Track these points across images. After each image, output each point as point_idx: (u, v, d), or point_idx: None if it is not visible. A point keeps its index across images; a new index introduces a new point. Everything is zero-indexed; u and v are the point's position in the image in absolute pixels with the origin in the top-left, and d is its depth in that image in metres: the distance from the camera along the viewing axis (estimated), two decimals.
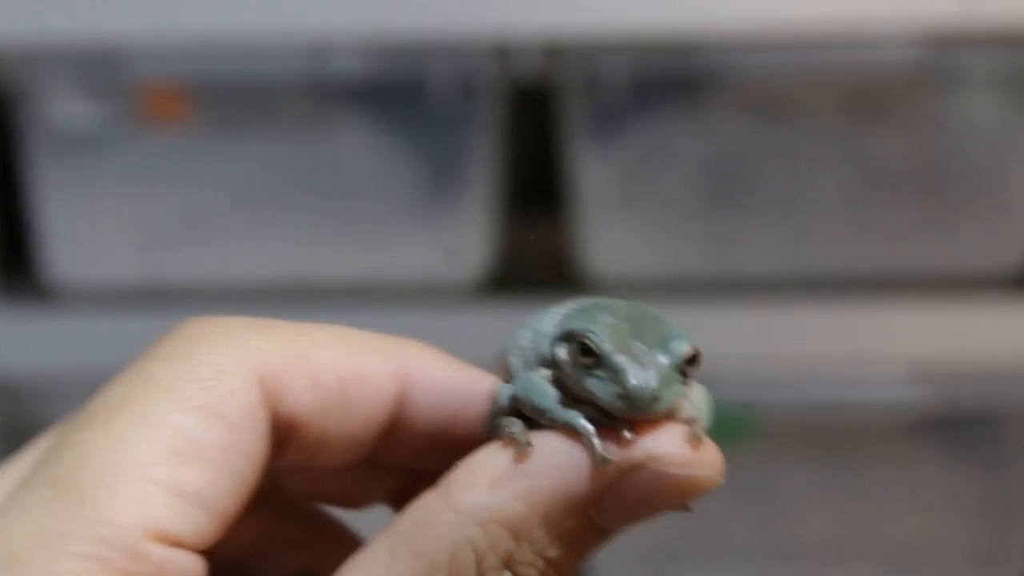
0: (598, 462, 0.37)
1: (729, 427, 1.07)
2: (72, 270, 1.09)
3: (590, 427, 0.37)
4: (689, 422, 0.38)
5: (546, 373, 0.40)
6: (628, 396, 0.36)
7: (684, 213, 1.07)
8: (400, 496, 0.48)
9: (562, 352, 0.39)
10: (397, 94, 1.04)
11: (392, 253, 1.07)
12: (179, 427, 0.37)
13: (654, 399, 0.36)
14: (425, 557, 0.37)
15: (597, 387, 0.37)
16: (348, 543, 0.49)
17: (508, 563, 0.37)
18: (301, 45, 1.00)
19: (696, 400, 0.39)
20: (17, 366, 1.05)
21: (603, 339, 0.37)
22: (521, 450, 0.37)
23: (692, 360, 0.38)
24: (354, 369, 0.41)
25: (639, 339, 0.38)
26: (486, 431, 0.41)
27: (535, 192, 1.17)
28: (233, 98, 1.05)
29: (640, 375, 0.37)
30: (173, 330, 0.41)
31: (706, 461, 0.37)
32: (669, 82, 1.03)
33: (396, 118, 1.06)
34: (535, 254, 1.17)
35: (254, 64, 1.03)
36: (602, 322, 0.38)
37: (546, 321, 0.41)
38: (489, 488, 0.37)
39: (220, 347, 0.39)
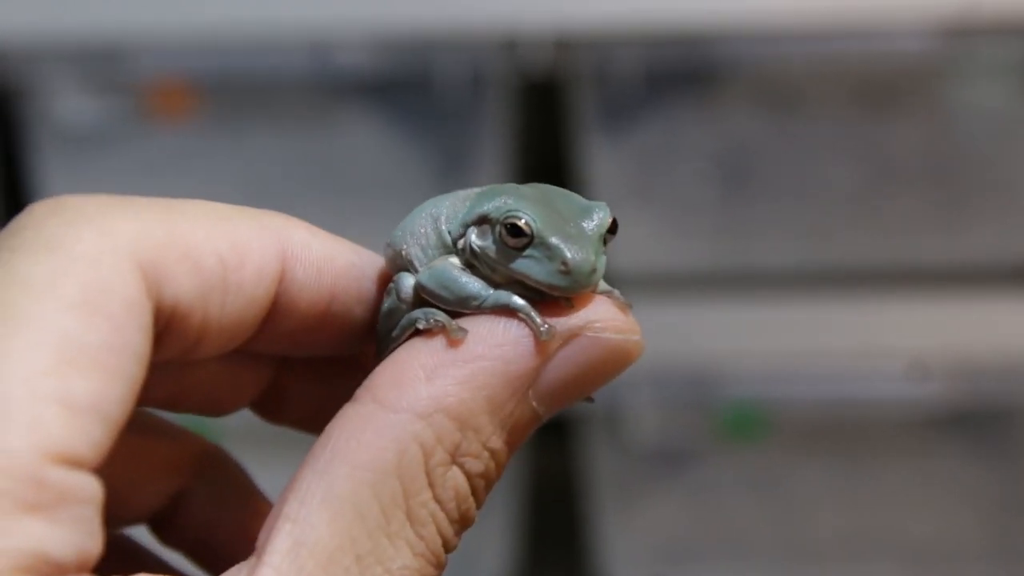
0: (541, 335, 0.36)
1: (743, 424, 1.06)
2: None
3: (526, 304, 0.36)
4: (609, 293, 0.38)
5: (455, 261, 0.39)
6: (569, 272, 0.36)
7: (696, 206, 1.07)
8: (266, 397, 0.45)
9: (478, 237, 0.38)
10: (405, 88, 1.03)
11: None
12: (61, 330, 0.32)
13: (592, 271, 0.37)
14: (369, 467, 0.35)
15: (531, 267, 0.37)
16: (224, 466, 0.47)
17: (455, 457, 0.36)
18: (307, 40, 1.00)
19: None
20: None
21: (535, 218, 0.37)
22: (455, 336, 0.36)
23: (613, 228, 0.38)
24: (234, 247, 0.37)
25: (560, 215, 0.37)
26: (386, 324, 0.39)
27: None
28: (239, 93, 1.05)
29: (576, 250, 0.36)
30: (27, 214, 0.35)
31: (636, 327, 0.37)
32: (680, 74, 1.03)
33: (404, 112, 1.05)
34: None
35: (260, 59, 1.02)
36: (523, 202, 0.37)
37: (446, 207, 0.40)
38: (427, 380, 0.36)
39: (90, 233, 0.34)
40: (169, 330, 0.36)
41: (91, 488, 0.32)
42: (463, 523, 0.37)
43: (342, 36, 1.00)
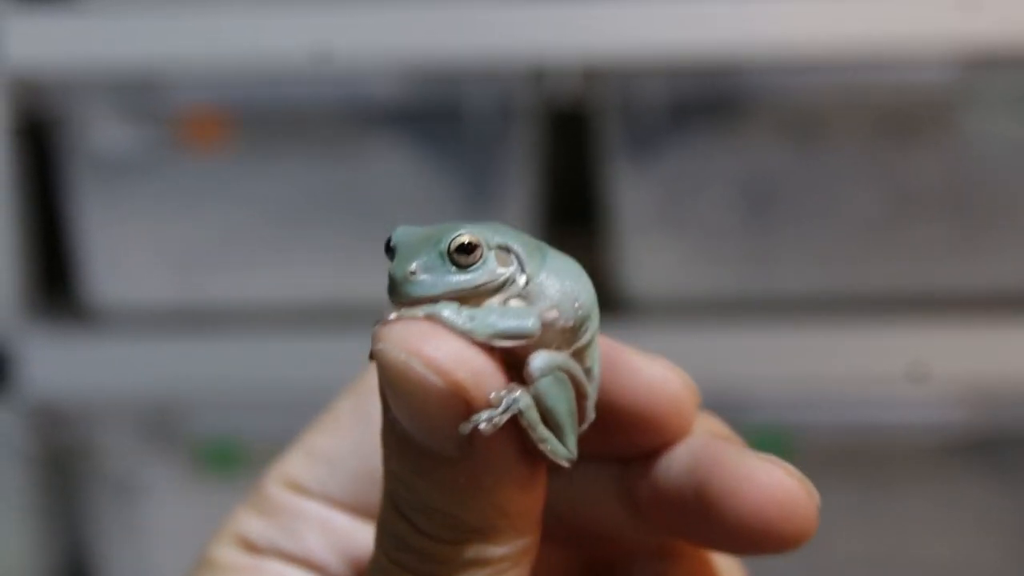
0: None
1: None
2: (111, 292, 1.09)
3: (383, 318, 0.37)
4: (429, 314, 0.36)
5: None
6: (389, 281, 0.37)
7: (720, 233, 1.07)
8: None
9: None
10: (434, 118, 1.04)
11: None
12: (333, 407, 0.46)
13: (402, 282, 0.36)
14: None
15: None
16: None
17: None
18: (338, 70, 1.01)
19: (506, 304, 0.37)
20: (57, 387, 1.06)
21: (396, 236, 0.38)
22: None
23: (463, 249, 0.37)
24: None
25: (425, 238, 0.37)
26: None
27: (572, 214, 1.18)
28: (271, 123, 1.06)
29: (395, 264, 0.37)
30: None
31: (391, 336, 0.35)
32: (705, 104, 1.04)
33: (433, 142, 1.06)
34: None
35: (292, 89, 1.04)
36: (406, 227, 0.38)
37: None
38: None
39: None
40: None
41: (311, 511, 0.45)
42: None
43: (372, 67, 1.01)
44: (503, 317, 0.36)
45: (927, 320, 1.04)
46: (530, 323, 0.36)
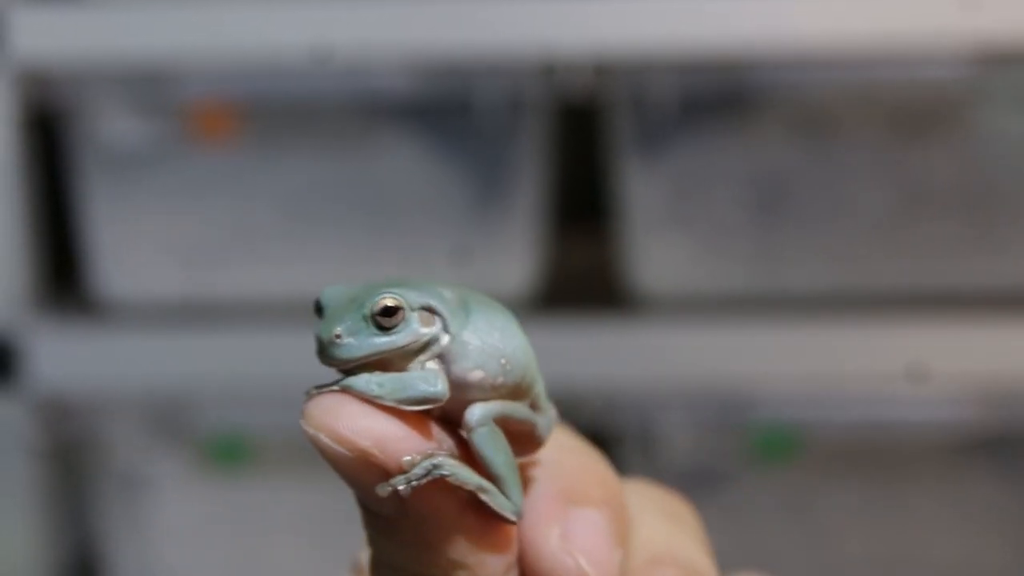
0: None
1: (775, 446, 1.06)
2: (120, 286, 1.09)
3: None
4: (343, 386, 0.38)
5: None
6: (316, 343, 0.38)
7: (730, 230, 1.07)
8: None
9: None
10: (444, 112, 1.04)
11: (438, 270, 1.08)
12: None
13: (328, 344, 0.37)
14: None
15: None
16: None
17: None
18: (348, 64, 1.01)
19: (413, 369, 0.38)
20: (64, 381, 1.06)
21: (324, 297, 0.39)
22: None
23: (386, 312, 0.38)
24: None
25: (354, 300, 0.38)
26: None
27: (581, 209, 1.17)
28: (280, 116, 1.06)
29: (324, 326, 0.38)
30: None
31: (307, 413, 0.37)
32: (716, 100, 1.03)
33: (443, 136, 1.06)
34: (581, 271, 1.17)
35: (302, 83, 1.04)
36: (333, 288, 0.39)
37: None
38: None
39: None
40: None
41: None
42: None
43: (382, 60, 1.01)
44: (412, 382, 0.37)
45: (937, 318, 1.04)
46: (438, 387, 0.38)
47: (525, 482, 0.40)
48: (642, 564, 0.42)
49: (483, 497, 0.38)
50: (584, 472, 0.43)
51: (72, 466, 1.12)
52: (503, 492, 0.38)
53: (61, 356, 1.06)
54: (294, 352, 1.04)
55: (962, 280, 1.07)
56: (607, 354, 1.03)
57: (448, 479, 0.37)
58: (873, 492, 1.11)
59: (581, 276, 1.17)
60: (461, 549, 0.38)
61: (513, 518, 0.39)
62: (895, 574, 1.13)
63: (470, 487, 0.38)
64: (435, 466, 0.37)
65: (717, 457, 1.08)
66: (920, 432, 1.06)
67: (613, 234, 1.08)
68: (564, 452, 0.43)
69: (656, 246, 1.07)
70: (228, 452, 1.08)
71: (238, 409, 1.07)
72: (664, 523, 0.45)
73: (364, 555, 0.42)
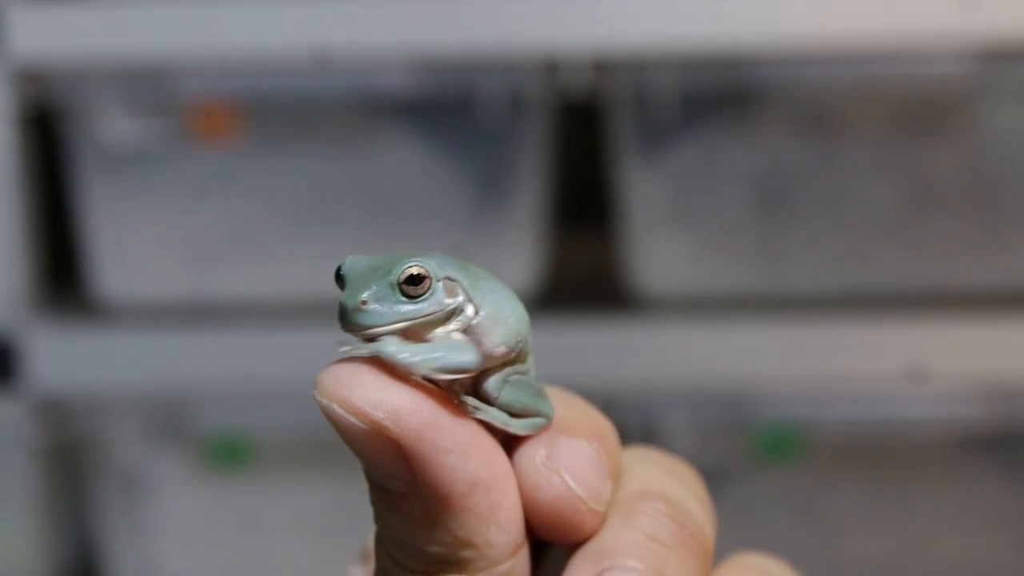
0: None
1: (779, 445, 1.06)
2: (120, 286, 1.09)
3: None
4: (374, 351, 0.38)
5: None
6: (340, 310, 0.38)
7: (733, 228, 1.07)
8: None
9: None
10: (445, 109, 1.04)
11: None
12: None
13: (353, 311, 0.38)
14: None
15: None
16: None
17: None
18: (349, 61, 1.01)
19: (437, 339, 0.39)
20: (64, 381, 1.06)
21: (346, 265, 0.40)
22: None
23: (412, 280, 0.38)
24: None
25: (375, 269, 0.39)
26: None
27: (583, 207, 1.17)
28: (280, 115, 1.06)
29: (349, 293, 0.39)
30: None
31: (321, 383, 0.38)
32: (718, 97, 1.03)
33: (444, 133, 1.06)
34: (583, 269, 1.17)
35: (302, 80, 1.03)
36: (356, 257, 0.40)
37: None
38: None
39: None
40: None
41: None
42: None
43: (383, 58, 1.01)
44: (446, 352, 0.38)
45: (940, 317, 1.03)
46: (472, 358, 0.38)
47: None
48: (631, 496, 0.42)
49: (538, 421, 0.40)
50: (577, 412, 0.43)
51: (72, 466, 1.12)
52: (542, 414, 0.40)
53: (60, 356, 1.05)
54: (294, 352, 1.04)
55: (965, 279, 1.06)
56: (609, 353, 1.03)
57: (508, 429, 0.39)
58: (876, 490, 1.11)
59: (583, 274, 1.16)
60: (469, 527, 0.38)
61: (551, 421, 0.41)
62: (899, 572, 1.12)
63: (513, 425, 0.40)
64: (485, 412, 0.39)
65: (720, 456, 1.07)
66: (923, 431, 1.06)
67: (615, 232, 1.08)
68: (558, 400, 0.42)
69: (658, 244, 1.07)
70: (228, 452, 1.08)
71: (238, 409, 1.07)
72: (660, 472, 0.44)
73: (372, 541, 0.42)
